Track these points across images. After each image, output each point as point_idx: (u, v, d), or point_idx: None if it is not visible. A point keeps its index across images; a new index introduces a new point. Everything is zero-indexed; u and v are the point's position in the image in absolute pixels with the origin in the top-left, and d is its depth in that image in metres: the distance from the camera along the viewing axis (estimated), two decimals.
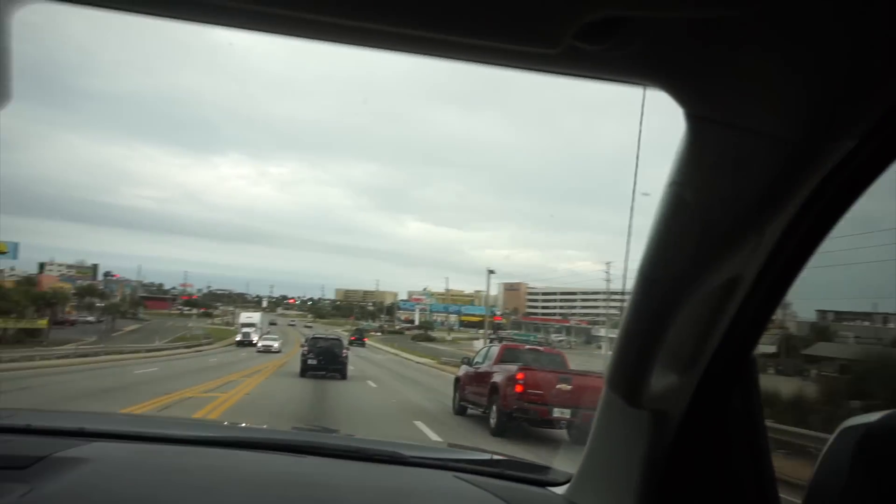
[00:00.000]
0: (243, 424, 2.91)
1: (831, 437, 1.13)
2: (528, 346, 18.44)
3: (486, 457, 2.16)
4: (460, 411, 16.55)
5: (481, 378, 15.15)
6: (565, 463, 1.91)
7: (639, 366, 1.21)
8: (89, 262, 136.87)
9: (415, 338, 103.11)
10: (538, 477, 1.91)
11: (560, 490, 1.75)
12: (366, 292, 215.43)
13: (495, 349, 16.47)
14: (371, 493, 1.63)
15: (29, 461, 1.46)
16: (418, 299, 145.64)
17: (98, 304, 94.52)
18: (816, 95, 0.83)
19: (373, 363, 43.69)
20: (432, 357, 53.65)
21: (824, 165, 0.91)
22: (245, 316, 77.67)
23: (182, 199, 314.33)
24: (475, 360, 16.74)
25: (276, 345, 50.66)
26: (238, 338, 62.93)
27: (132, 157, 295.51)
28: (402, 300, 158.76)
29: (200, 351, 52.18)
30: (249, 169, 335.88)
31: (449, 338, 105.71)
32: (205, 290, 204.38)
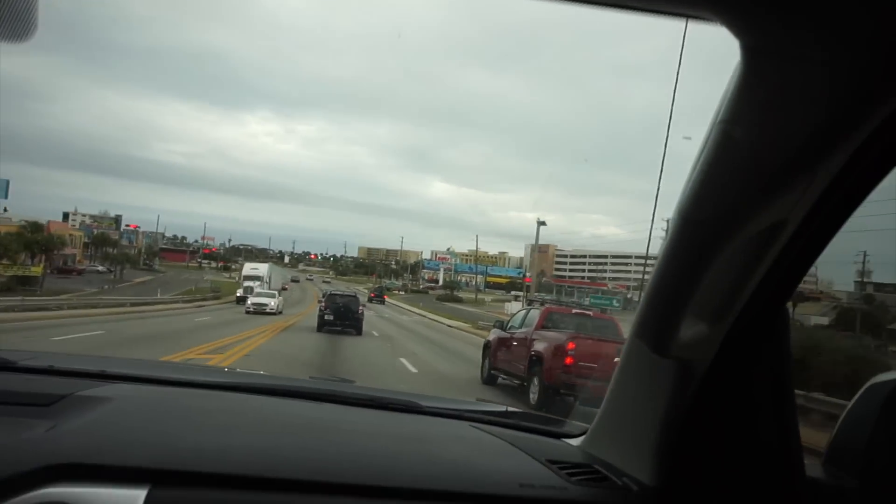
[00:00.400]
0: (261, 372, 3.04)
1: (858, 393, 1.21)
2: (575, 311, 16.19)
3: (502, 408, 2.18)
4: (489, 381, 14.93)
5: (519, 345, 13.67)
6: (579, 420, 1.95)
7: (670, 311, 1.19)
8: (117, 214, 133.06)
9: (440, 298, 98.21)
10: (553, 429, 1.94)
11: (575, 442, 1.77)
12: (388, 251, 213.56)
13: (535, 313, 14.74)
14: (387, 437, 1.64)
15: (52, 399, 1.47)
16: (443, 258, 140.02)
17: (112, 254, 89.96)
18: (886, 25, 0.77)
19: (399, 326, 37.87)
20: (465, 321, 47.70)
21: (889, 102, 0.85)
22: (249, 267, 64.50)
23: (210, 155, 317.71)
24: (509, 325, 15.20)
25: (272, 303, 39.98)
26: (239, 293, 52.14)
27: (162, 112, 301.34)
28: (426, 259, 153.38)
29: (202, 306, 46.32)
30: (277, 126, 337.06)
31: (478, 299, 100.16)
32: (226, 245, 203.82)
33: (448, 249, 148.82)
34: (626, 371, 1.46)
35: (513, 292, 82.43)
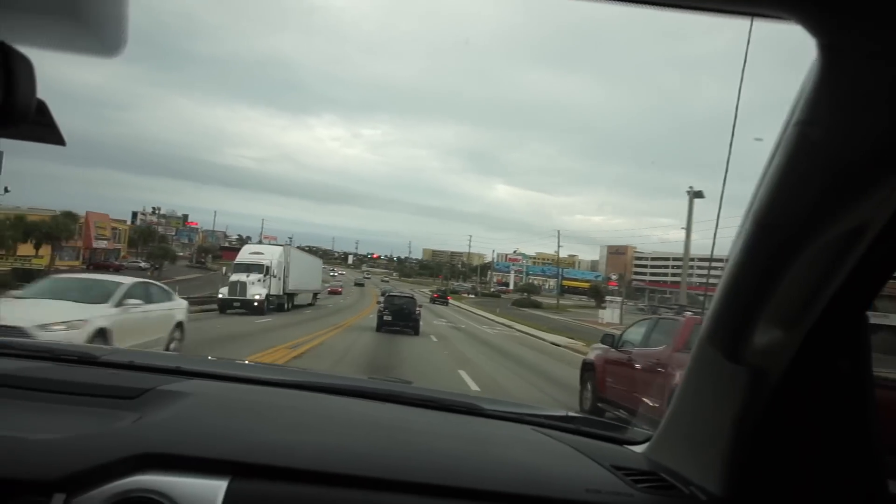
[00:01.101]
0: (325, 372, 3.07)
1: None
2: None
3: (562, 413, 2.19)
4: (595, 412, 10.31)
5: (646, 369, 9.43)
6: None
7: (743, 317, 1.15)
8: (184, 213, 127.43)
9: (516, 303, 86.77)
10: (616, 435, 1.90)
11: (639, 449, 1.73)
12: (453, 253, 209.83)
13: (669, 325, 10.01)
14: (450, 438, 1.64)
15: (137, 392, 1.56)
16: (514, 259, 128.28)
17: (154, 249, 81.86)
18: None
19: (487, 346, 26.08)
20: (568, 334, 35.60)
21: None
22: (248, 252, 32.68)
23: (279, 160, 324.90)
24: (624, 339, 10.92)
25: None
26: (222, 293, 29.87)
27: (233, 119, 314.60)
28: (496, 262, 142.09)
29: (205, 311, 28.48)
30: (342, 130, 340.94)
31: (560, 305, 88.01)
32: (289, 242, 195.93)
33: (515, 251, 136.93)
34: (696, 376, 1.41)
35: (608, 298, 69.37)
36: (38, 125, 0.74)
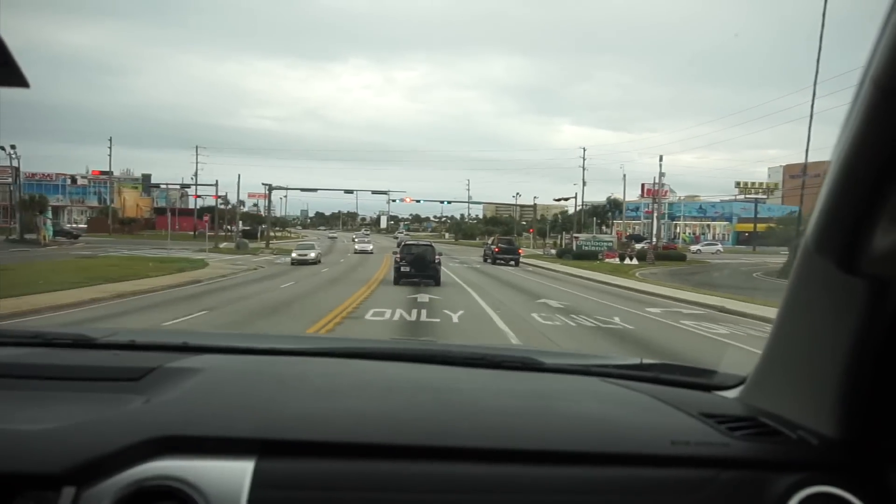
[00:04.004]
0: (355, 338, 3.13)
1: None
2: None
3: (636, 360, 1.94)
4: None
5: None
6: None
7: (860, 213, 0.94)
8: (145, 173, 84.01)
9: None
10: (703, 380, 1.72)
11: (731, 394, 1.57)
12: (522, 207, 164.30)
13: None
14: (506, 396, 1.49)
15: (141, 372, 1.45)
16: (657, 194, 73.18)
17: None
18: None
19: None
20: None
21: None
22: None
23: (303, 117, 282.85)
24: None
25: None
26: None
27: (248, 74, 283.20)
28: (630, 202, 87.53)
29: None
30: (373, 75, 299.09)
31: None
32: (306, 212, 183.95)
33: (654, 183, 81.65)
34: (800, 297, 1.22)
35: None
36: None
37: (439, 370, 1.74)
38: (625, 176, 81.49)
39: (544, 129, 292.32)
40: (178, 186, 73.56)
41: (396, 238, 63.13)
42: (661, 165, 48.83)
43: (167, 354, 1.65)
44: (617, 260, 48.43)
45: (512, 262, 45.26)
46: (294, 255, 38.57)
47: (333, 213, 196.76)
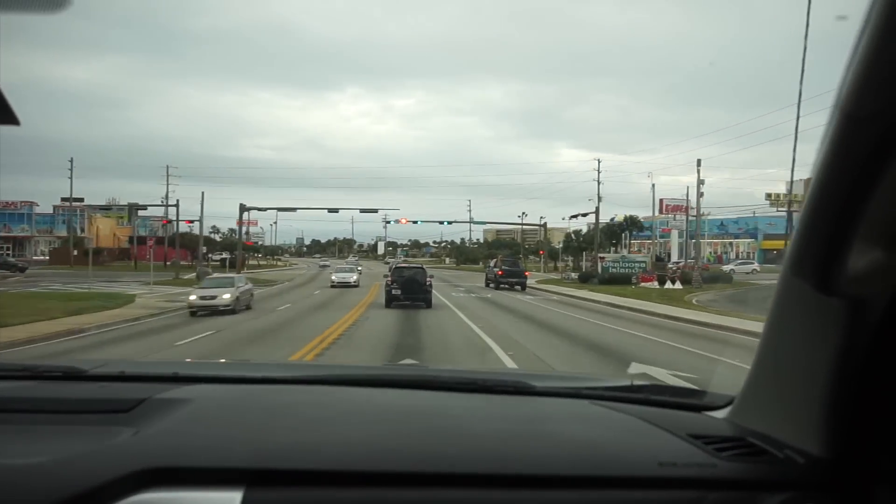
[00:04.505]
0: (344, 364, 3.16)
1: None
2: None
3: (626, 382, 1.95)
4: None
5: None
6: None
7: (834, 236, 0.96)
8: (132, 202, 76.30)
9: None
10: (692, 401, 1.73)
11: (720, 414, 1.57)
12: (526, 226, 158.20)
13: None
14: (496, 421, 1.49)
15: (131, 404, 1.44)
16: (678, 209, 66.40)
17: None
18: None
19: None
20: None
21: None
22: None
23: (301, 147, 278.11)
24: None
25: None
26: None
27: (246, 104, 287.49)
28: (643, 219, 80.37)
29: None
30: (371, 103, 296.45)
31: None
32: (302, 241, 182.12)
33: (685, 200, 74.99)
34: (782, 319, 1.24)
35: None
36: None
37: (429, 396, 1.72)
38: (654, 186, 73.20)
39: (542, 152, 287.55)
40: (141, 207, 66.07)
41: (388, 263, 57.34)
42: (699, 171, 41.65)
43: (157, 385, 1.63)
44: (655, 284, 41.05)
45: (518, 287, 40.11)
46: (194, 297, 23.77)
47: (329, 241, 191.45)
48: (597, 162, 60.66)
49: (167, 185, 63.40)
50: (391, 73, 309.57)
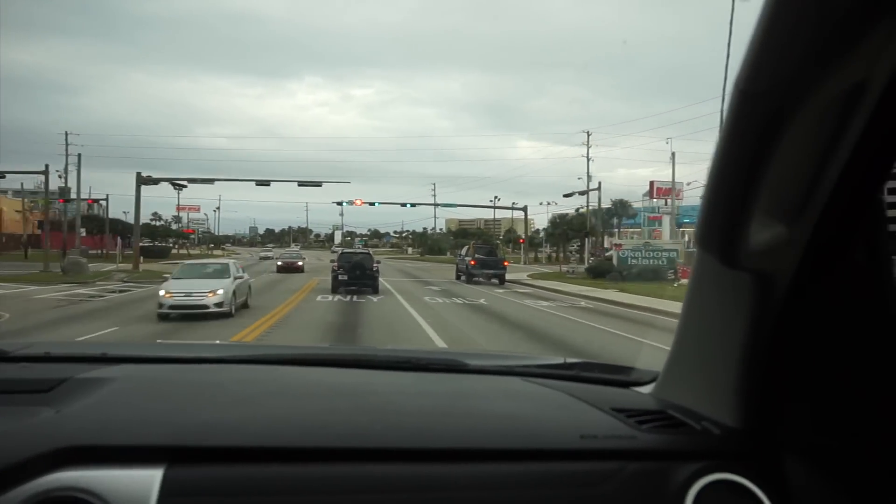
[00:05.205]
0: (280, 345, 2.96)
1: None
2: None
3: (559, 360, 2.01)
4: None
5: None
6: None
7: (736, 210, 0.99)
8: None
9: None
10: (620, 377, 1.79)
11: (646, 389, 1.62)
12: (486, 221, 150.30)
13: None
14: (424, 397, 1.51)
15: (51, 384, 1.42)
16: (668, 193, 57.35)
17: None
18: None
19: None
20: None
21: None
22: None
23: (258, 135, 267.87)
24: None
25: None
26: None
27: (200, 92, 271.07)
28: (640, 203, 71.15)
29: None
30: (329, 93, 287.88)
31: None
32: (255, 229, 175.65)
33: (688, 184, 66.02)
34: (696, 295, 1.28)
35: None
36: None
37: (360, 374, 1.73)
38: (674, 154, 63.82)
39: (503, 144, 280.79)
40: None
41: (334, 252, 50.56)
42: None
43: (82, 366, 1.60)
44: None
45: (495, 280, 34.26)
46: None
47: (283, 230, 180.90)
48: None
49: (66, 155, 51.73)
50: (349, 61, 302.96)
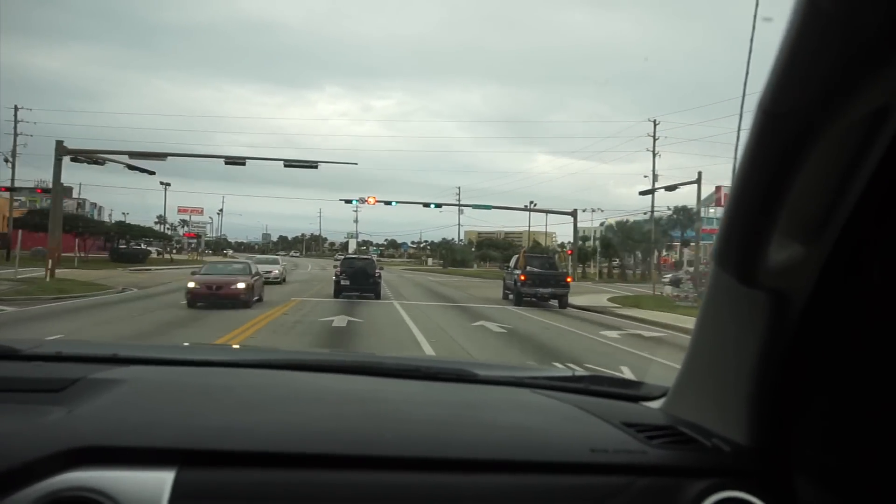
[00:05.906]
0: (288, 350, 3.02)
1: None
2: None
3: (568, 373, 2.03)
4: None
5: None
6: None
7: (754, 230, 1.00)
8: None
9: None
10: (629, 391, 1.79)
11: (656, 404, 1.63)
12: (507, 233, 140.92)
13: None
14: (433, 406, 1.51)
15: (63, 384, 1.42)
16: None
17: None
18: None
19: None
20: None
21: None
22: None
23: (278, 144, 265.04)
24: None
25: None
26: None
27: (223, 100, 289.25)
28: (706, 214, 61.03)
29: None
30: (349, 103, 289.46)
31: None
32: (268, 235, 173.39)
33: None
34: (710, 312, 1.29)
35: None
36: None
37: (370, 381, 1.74)
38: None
39: (521, 158, 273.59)
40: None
41: (337, 260, 50.11)
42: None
43: (94, 366, 1.61)
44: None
45: (553, 302, 25.75)
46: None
47: (296, 237, 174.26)
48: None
49: (14, 135, 42.60)
50: (370, 72, 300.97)
